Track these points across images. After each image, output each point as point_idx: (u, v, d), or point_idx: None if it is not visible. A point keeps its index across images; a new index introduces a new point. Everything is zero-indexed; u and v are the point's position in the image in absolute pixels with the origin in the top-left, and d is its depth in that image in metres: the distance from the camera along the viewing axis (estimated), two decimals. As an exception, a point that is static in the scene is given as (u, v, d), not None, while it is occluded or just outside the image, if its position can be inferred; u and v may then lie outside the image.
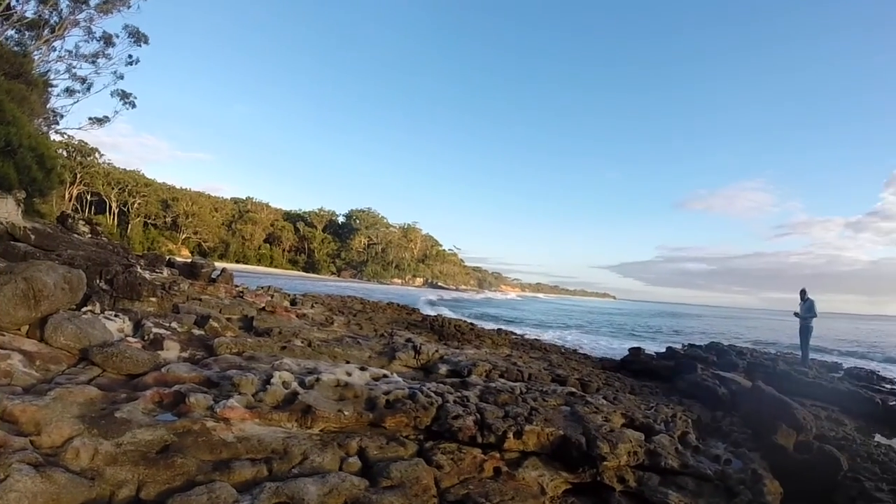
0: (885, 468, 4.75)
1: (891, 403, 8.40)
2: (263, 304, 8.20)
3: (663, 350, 13.32)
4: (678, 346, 14.96)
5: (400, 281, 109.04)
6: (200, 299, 7.42)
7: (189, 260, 10.14)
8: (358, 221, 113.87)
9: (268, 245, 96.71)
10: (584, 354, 12.13)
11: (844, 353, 20.80)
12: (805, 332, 11.12)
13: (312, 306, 10.22)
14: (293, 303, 10.19)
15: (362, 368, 4.82)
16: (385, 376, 4.78)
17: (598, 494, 3.55)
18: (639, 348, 11.50)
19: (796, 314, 11.13)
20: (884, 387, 10.86)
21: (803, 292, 11.11)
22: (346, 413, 3.71)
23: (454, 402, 4.21)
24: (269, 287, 11.93)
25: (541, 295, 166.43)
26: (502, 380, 5.76)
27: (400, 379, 4.83)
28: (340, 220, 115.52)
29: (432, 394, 4.29)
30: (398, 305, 18.21)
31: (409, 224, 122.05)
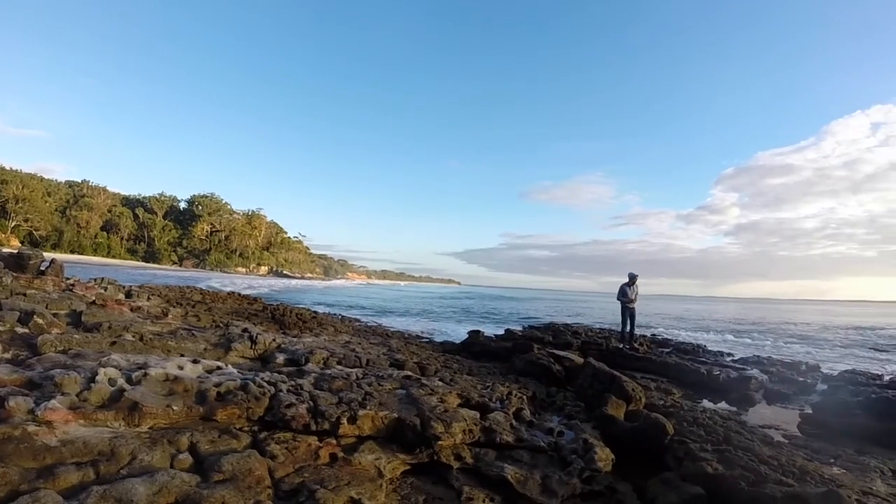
0: (709, 430, 7.58)
1: (715, 373, 13.39)
2: (94, 298, 10.96)
3: (503, 332, 19.75)
4: (518, 328, 22.49)
5: (244, 270, 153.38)
6: (25, 294, 9.96)
7: (15, 251, 13.50)
8: (200, 207, 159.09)
9: (105, 233, 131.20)
10: (427, 339, 18.51)
11: (676, 329, 34.23)
12: (634, 313, 17.42)
13: (148, 298, 13.56)
14: (128, 295, 13.37)
15: (195, 361, 6.58)
16: (219, 368, 6.61)
17: (436, 473, 5.26)
18: (478, 331, 17.47)
19: (626, 298, 17.23)
20: (709, 358, 17.20)
21: (634, 277, 17.18)
22: (175, 408, 5.05)
23: (287, 391, 5.95)
24: (103, 279, 15.40)
25: (387, 281, 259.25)
26: (339, 367, 8.12)
27: (234, 370, 6.73)
28: (182, 205, 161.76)
29: (265, 384, 6.01)
30: (239, 295, 26.31)
31: (253, 210, 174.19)
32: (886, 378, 15.54)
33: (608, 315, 46.20)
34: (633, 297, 17.25)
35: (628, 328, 17.34)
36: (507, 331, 20.04)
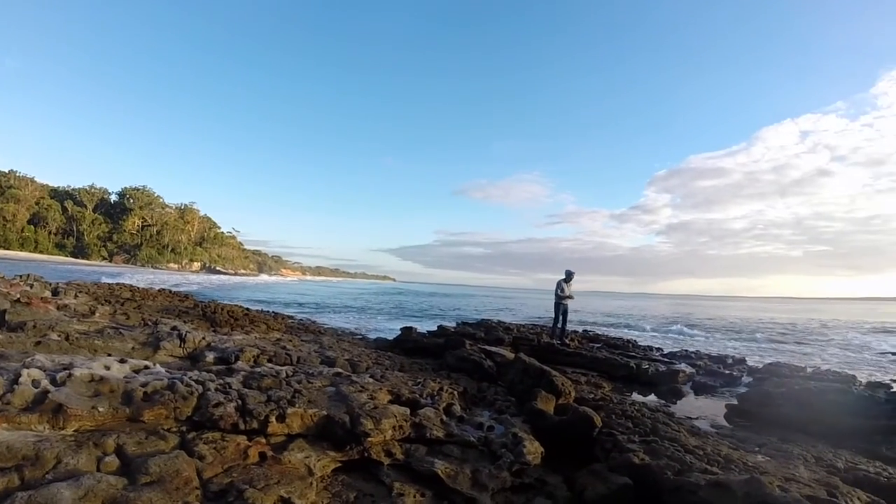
0: (637, 422, 7.84)
1: (644, 367, 13.98)
2: (18, 296, 10.80)
3: (436, 328, 20.04)
4: (451, 325, 23.12)
5: (176, 266, 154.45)
6: (-59, 293, 9.93)
7: (-69, 247, 15.26)
8: (132, 200, 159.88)
9: (32, 227, 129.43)
10: (360, 336, 19.00)
11: (607, 325, 35.89)
12: (567, 309, 18.16)
13: (76, 296, 13.27)
14: (55, 292, 13.24)
15: (122, 361, 6.48)
16: (146, 368, 6.52)
17: (367, 470, 5.31)
18: (410, 328, 17.80)
19: (563, 294, 17.74)
20: (638, 353, 17.81)
21: (571, 274, 17.75)
22: (100, 409, 5.02)
23: (215, 390, 5.95)
24: (29, 275, 15.49)
25: (322, 278, 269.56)
26: (270, 364, 8.21)
27: (162, 370, 6.62)
28: (113, 198, 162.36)
29: (193, 383, 5.97)
30: (170, 292, 26.87)
31: (186, 204, 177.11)
32: (809, 370, 16.37)
33: (541, 311, 47.39)
34: (569, 294, 17.77)
35: (560, 324, 17.80)
36: (439, 327, 20.23)
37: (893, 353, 25.91)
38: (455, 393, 7.74)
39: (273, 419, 5.34)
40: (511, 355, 11.35)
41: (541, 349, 15.86)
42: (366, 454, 5.33)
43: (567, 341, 17.49)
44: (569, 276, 17.82)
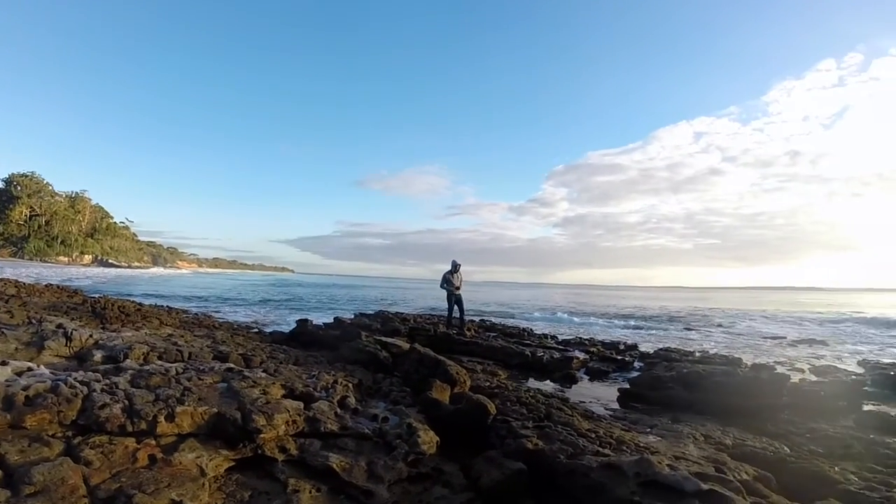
0: (531, 408, 8.02)
1: (539, 354, 14.54)
2: None
3: (332, 320, 20.11)
4: (348, 316, 23.40)
5: (66, 259, 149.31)
6: None
7: None
8: (19, 188, 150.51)
9: None
10: (256, 329, 18.52)
11: (503, 314, 37.22)
12: (461, 299, 18.26)
13: None
14: None
15: (3, 363, 6.15)
16: (30, 370, 6.23)
17: (262, 467, 5.18)
18: (306, 319, 17.95)
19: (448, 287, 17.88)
20: (534, 341, 18.35)
21: (457, 265, 18.08)
22: None
23: (101, 391, 5.66)
24: None
25: (219, 270, 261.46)
26: (160, 362, 7.92)
27: (46, 371, 6.34)
28: None
29: (77, 384, 5.68)
30: (58, 287, 27.07)
31: (77, 192, 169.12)
32: (697, 354, 17.33)
33: (439, 301, 47.83)
34: (458, 285, 17.87)
35: (456, 314, 17.92)
36: (336, 319, 20.25)
37: (774, 338, 27.83)
38: (350, 385, 7.67)
39: (162, 419, 5.14)
40: (406, 346, 11.38)
41: (437, 339, 16.02)
42: (259, 451, 5.22)
43: (465, 331, 17.59)
44: (455, 267, 17.90)
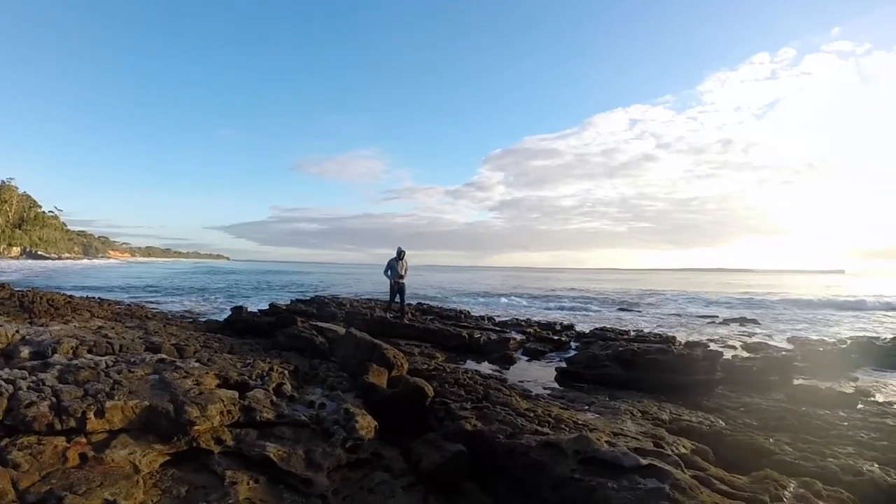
0: (469, 389, 8.09)
1: (476, 336, 14.76)
2: None
3: (268, 307, 19.96)
4: (284, 302, 23.35)
5: None
6: None
7: None
8: None
9: None
10: (190, 318, 18.51)
11: (441, 297, 38.24)
12: (403, 287, 17.89)
13: None
14: None
15: None
16: None
17: (198, 460, 5.05)
18: (241, 307, 17.80)
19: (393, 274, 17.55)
20: (471, 323, 18.63)
21: (402, 252, 17.70)
22: None
23: (28, 389, 5.48)
24: None
25: (152, 259, 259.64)
26: (89, 355, 7.64)
27: None
28: None
29: (2, 383, 5.49)
30: None
31: (3, 181, 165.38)
32: (632, 333, 17.76)
33: (376, 285, 48.78)
34: (403, 273, 17.57)
35: (399, 301, 17.88)
36: (271, 305, 20.13)
37: (707, 317, 28.77)
38: (286, 372, 7.59)
39: (91, 415, 4.94)
40: (343, 330, 11.33)
41: (374, 323, 15.99)
42: (194, 444, 5.08)
43: (404, 317, 17.39)
44: (400, 255, 17.62)
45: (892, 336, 18.81)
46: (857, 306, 38.62)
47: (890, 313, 34.44)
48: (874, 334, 20.77)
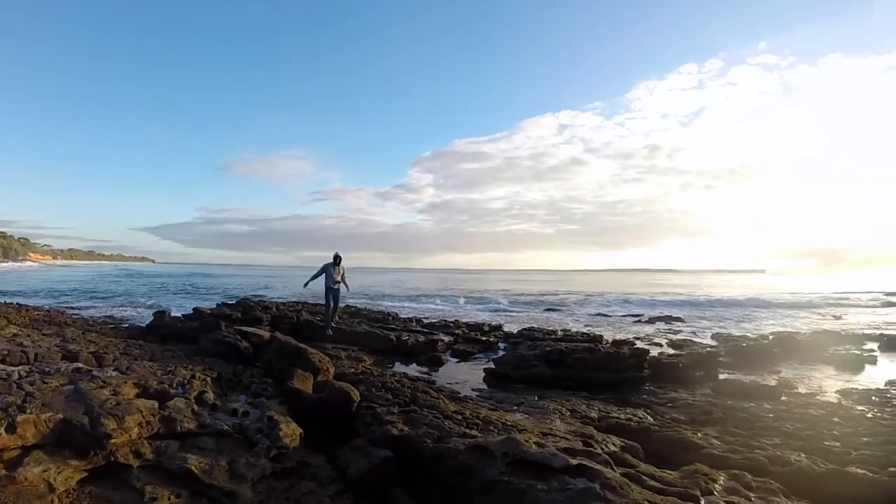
0: (396, 393, 8.03)
1: (404, 338, 14.74)
2: None
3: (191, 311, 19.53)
4: (209, 306, 22.85)
5: None
6: None
7: None
8: None
9: None
10: (112, 324, 17.92)
11: (369, 299, 38.51)
12: (338, 294, 16.95)
13: None
14: None
15: None
16: None
17: (117, 476, 4.81)
18: (163, 312, 17.78)
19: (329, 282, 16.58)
20: (399, 325, 18.56)
21: (339, 257, 16.85)
22: None
23: None
24: None
25: (75, 262, 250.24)
26: (2, 366, 7.22)
27: None
28: None
29: None
30: None
31: None
32: (560, 332, 18.01)
33: (301, 288, 48.38)
34: (339, 279, 16.75)
35: (333, 306, 17.05)
36: (195, 310, 19.68)
37: (633, 315, 29.45)
38: (208, 379, 7.34)
39: (2, 430, 4.59)
40: (268, 335, 11.16)
41: (300, 327, 15.99)
42: (112, 458, 4.81)
43: (333, 326, 16.59)
44: (336, 260, 16.78)
45: (810, 331, 19.77)
46: (778, 303, 40.37)
47: (808, 310, 36.06)
48: (794, 329, 21.70)
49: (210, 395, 6.59)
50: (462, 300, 41.12)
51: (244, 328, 12.38)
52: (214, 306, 22.75)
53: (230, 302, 24.60)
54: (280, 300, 28.27)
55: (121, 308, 29.01)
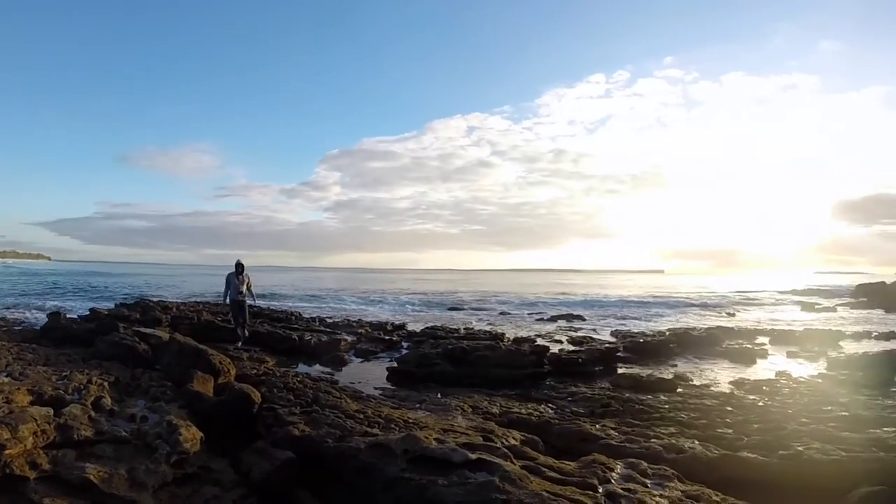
0: (298, 394, 8.04)
1: (307, 338, 14.92)
2: None
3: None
4: (107, 307, 22.46)
5: None
6: None
7: None
8: None
9: None
10: (4, 326, 17.29)
11: (273, 298, 37.36)
12: (244, 305, 15.44)
13: None
14: None
15: None
16: None
17: (13, 489, 4.60)
18: (58, 313, 17.22)
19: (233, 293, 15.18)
20: (302, 325, 18.64)
21: (241, 265, 15.32)
22: None
23: None
24: None
25: None
26: None
27: None
28: None
29: None
30: None
31: None
32: (462, 330, 18.34)
33: (204, 287, 48.21)
34: (243, 290, 15.06)
35: (242, 322, 15.35)
36: (91, 310, 19.15)
37: (535, 313, 30.32)
38: (105, 384, 7.21)
39: None
40: (167, 336, 10.92)
41: (201, 327, 15.78)
42: (7, 470, 4.61)
43: (246, 332, 15.27)
44: (239, 269, 15.14)
45: (705, 327, 20.85)
46: (676, 302, 42.36)
47: (704, 307, 38.07)
48: (689, 325, 22.81)
49: (108, 401, 6.47)
50: (366, 299, 41.06)
51: (143, 329, 12.15)
52: (113, 307, 22.14)
53: (129, 302, 23.94)
54: (181, 300, 27.74)
55: (13, 309, 27.33)
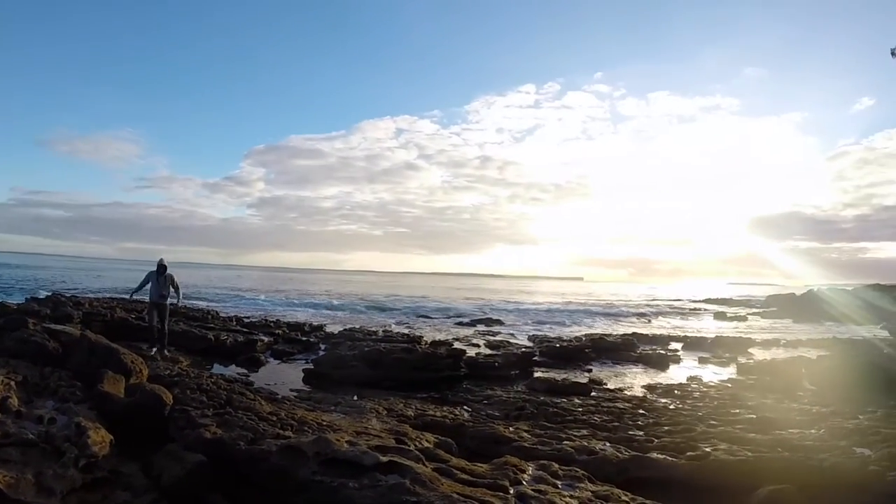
0: (212, 395, 7.99)
1: (223, 338, 14.91)
2: None
3: None
4: (17, 301, 22.28)
5: None
6: None
7: None
8: None
9: None
10: None
11: (190, 297, 34.88)
12: (165, 310, 14.18)
13: None
14: None
15: None
16: None
17: None
18: None
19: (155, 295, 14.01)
20: (218, 324, 18.60)
21: (164, 265, 14.15)
22: None
23: None
24: None
25: None
26: None
27: None
28: None
29: None
30: None
31: None
32: (380, 333, 18.54)
33: (120, 282, 47.01)
34: (166, 293, 13.91)
35: (158, 327, 13.89)
36: (-1, 305, 18.21)
37: (456, 317, 30.79)
38: (12, 383, 6.78)
39: None
40: (79, 333, 10.66)
41: (115, 324, 15.50)
42: None
43: (164, 352, 13.33)
44: (161, 269, 13.95)
45: (621, 333, 21.63)
46: (593, 308, 43.47)
47: (621, 314, 39.38)
48: (605, 332, 23.62)
49: (14, 401, 6.19)
50: (285, 299, 40.75)
51: (53, 326, 11.70)
52: (22, 301, 21.53)
53: (40, 297, 22.88)
54: (94, 296, 26.45)
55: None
